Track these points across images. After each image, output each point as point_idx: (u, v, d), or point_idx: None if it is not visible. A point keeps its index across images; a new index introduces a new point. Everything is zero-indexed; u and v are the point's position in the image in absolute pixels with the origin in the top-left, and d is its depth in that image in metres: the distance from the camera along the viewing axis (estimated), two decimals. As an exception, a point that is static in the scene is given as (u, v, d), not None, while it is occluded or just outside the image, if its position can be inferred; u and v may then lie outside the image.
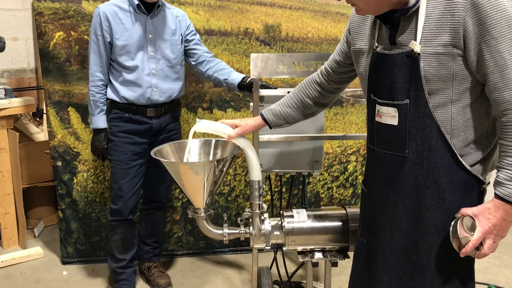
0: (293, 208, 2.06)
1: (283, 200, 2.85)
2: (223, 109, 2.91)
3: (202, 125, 1.85)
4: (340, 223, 1.98)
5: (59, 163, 2.86)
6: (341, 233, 1.97)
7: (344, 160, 3.05)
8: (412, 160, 1.42)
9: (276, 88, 2.32)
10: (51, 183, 3.24)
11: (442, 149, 1.38)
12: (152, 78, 2.40)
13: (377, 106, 1.48)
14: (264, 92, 2.20)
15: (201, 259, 3.09)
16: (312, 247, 1.99)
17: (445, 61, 1.33)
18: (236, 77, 2.44)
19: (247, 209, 1.97)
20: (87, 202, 2.93)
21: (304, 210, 2.03)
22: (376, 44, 1.47)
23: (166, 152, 1.94)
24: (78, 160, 2.86)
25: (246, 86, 2.40)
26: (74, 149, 2.85)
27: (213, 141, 1.97)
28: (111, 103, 2.45)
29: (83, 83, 2.75)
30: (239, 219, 2.02)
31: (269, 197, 2.65)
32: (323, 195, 3.09)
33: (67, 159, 2.85)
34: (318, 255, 2.00)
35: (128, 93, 2.40)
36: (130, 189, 2.50)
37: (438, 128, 1.37)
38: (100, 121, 2.44)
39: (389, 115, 1.46)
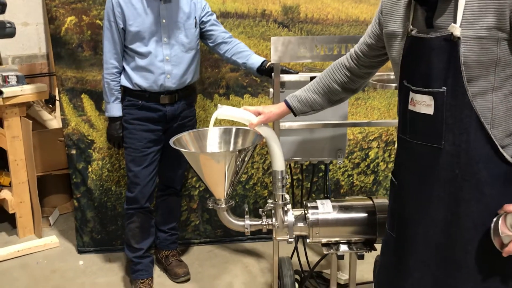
0: (316, 199, 1.98)
1: (303, 189, 2.76)
2: (240, 95, 2.82)
3: (224, 111, 1.77)
4: (367, 215, 1.90)
5: (74, 151, 2.80)
6: (368, 224, 1.89)
7: (366, 147, 2.96)
8: (449, 152, 1.33)
9: (297, 73, 2.22)
10: (66, 171, 3.19)
11: (482, 140, 1.29)
12: (165, 65, 2.32)
13: (411, 94, 1.38)
14: (285, 77, 2.10)
15: (218, 247, 3.03)
16: (337, 239, 1.92)
17: (488, 45, 1.23)
18: (255, 61, 2.34)
19: (269, 201, 1.90)
20: (102, 191, 2.87)
21: (328, 200, 1.95)
22: (411, 27, 1.37)
23: (185, 141, 1.87)
24: (92, 148, 2.80)
25: (265, 71, 2.30)
26: (89, 137, 2.79)
27: (234, 130, 1.89)
28: (124, 90, 2.39)
29: (96, 69, 2.67)
30: (260, 210, 1.95)
31: (289, 186, 2.57)
32: (343, 183, 3.00)
33: (81, 147, 2.79)
34: (344, 248, 1.92)
35: (141, 80, 2.32)
36: (146, 176, 2.44)
37: (478, 118, 1.27)
38: (115, 109, 2.37)
39: (424, 104, 1.36)
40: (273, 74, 2.14)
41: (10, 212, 3.12)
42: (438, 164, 1.36)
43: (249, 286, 2.63)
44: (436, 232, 1.41)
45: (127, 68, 2.34)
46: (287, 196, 1.87)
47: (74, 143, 2.78)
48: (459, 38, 1.23)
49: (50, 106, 3.61)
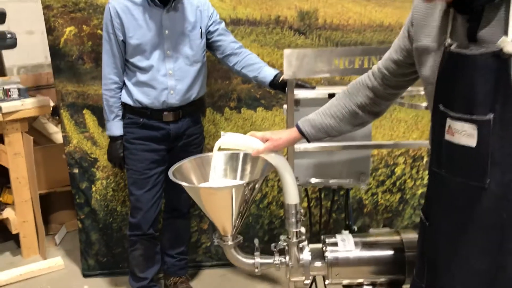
0: (337, 225, 1.75)
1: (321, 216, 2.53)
2: (252, 108, 2.60)
3: (228, 139, 1.56)
4: (394, 252, 1.67)
5: (76, 170, 2.62)
6: (395, 263, 1.66)
7: (391, 163, 2.71)
8: (494, 193, 1.09)
9: (313, 87, 1.99)
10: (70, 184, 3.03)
11: None
12: (168, 79, 2.12)
13: (448, 121, 1.14)
14: (300, 94, 1.87)
15: (231, 271, 2.82)
16: (360, 280, 1.69)
17: None
18: (267, 74, 2.12)
19: (282, 237, 1.68)
20: (107, 212, 2.69)
21: (350, 235, 1.72)
22: (449, 40, 1.13)
23: (186, 170, 1.66)
24: (96, 166, 2.62)
25: (279, 85, 2.08)
26: (92, 155, 2.61)
27: (241, 155, 1.68)
28: (125, 107, 2.19)
29: (98, 83, 2.48)
30: (272, 245, 1.73)
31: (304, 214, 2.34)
32: (366, 202, 2.76)
33: (84, 166, 2.61)
34: (368, 290, 1.69)
35: (142, 96, 2.13)
36: (149, 200, 2.25)
37: None
38: (115, 127, 2.19)
39: (464, 133, 1.12)
40: (286, 89, 1.92)
41: (14, 233, 2.98)
42: (481, 207, 1.12)
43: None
44: (475, 286, 1.17)
45: (128, 83, 2.15)
46: (303, 229, 1.65)
47: (76, 162, 2.61)
48: (511, 55, 0.99)
49: (57, 118, 3.44)
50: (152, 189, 2.24)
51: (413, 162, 2.73)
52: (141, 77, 2.10)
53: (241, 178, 1.68)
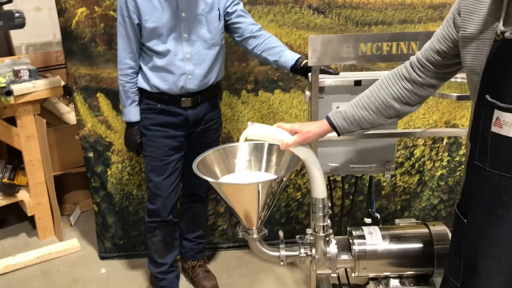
0: (363, 226, 1.72)
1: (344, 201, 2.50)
2: (269, 90, 2.54)
3: (255, 130, 1.51)
4: (423, 245, 1.64)
5: (91, 154, 2.59)
6: (424, 256, 1.63)
7: (410, 144, 2.66)
8: None
9: (337, 73, 1.92)
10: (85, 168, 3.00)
11: None
12: (186, 64, 2.04)
13: (496, 112, 1.09)
14: (325, 81, 1.81)
15: (248, 253, 2.81)
16: (387, 273, 1.67)
17: None
18: (288, 59, 2.04)
19: (308, 230, 1.65)
20: (123, 195, 2.67)
21: (377, 228, 1.69)
22: (502, 27, 1.06)
23: (209, 162, 1.62)
24: (111, 150, 2.58)
25: (300, 70, 2.01)
26: (106, 139, 2.56)
27: (266, 146, 1.63)
28: (142, 93, 2.13)
29: (112, 66, 2.42)
30: (297, 236, 1.71)
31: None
32: (384, 184, 2.73)
33: (99, 150, 2.58)
34: (395, 283, 1.67)
35: (159, 82, 2.06)
36: (168, 187, 2.22)
37: None
38: (132, 113, 2.13)
39: (514, 125, 1.08)
40: (309, 75, 1.85)
41: (29, 215, 2.96)
42: None
43: (282, 301, 2.41)
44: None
45: (144, 68, 2.08)
46: (330, 223, 1.62)
47: (91, 146, 2.57)
48: None
49: (68, 97, 3.38)
50: (171, 175, 2.20)
51: (432, 144, 2.67)
52: (158, 61, 2.03)
53: (266, 169, 1.64)
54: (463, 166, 2.75)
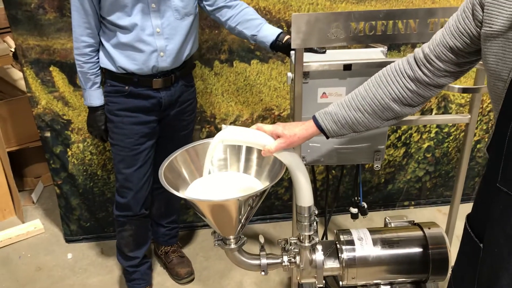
0: (352, 229, 1.56)
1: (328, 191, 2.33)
2: (246, 60, 2.29)
3: (230, 133, 1.29)
4: (417, 249, 1.49)
5: (48, 134, 2.33)
6: (418, 262, 1.49)
7: (397, 117, 2.47)
8: None
9: (324, 51, 1.68)
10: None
11: None
12: (157, 39, 1.77)
13: None
14: (311, 65, 1.57)
15: (225, 231, 2.66)
16: (378, 281, 1.53)
17: None
18: (268, 33, 1.79)
19: (292, 239, 1.47)
20: (87, 176, 2.45)
21: (367, 232, 1.52)
22: None
23: (177, 165, 1.41)
24: (70, 129, 2.33)
25: (282, 47, 1.76)
26: (64, 117, 2.30)
27: (244, 143, 1.42)
28: (105, 73, 1.86)
29: (65, 36, 2.12)
30: (278, 240, 1.54)
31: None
32: (369, 158, 2.56)
33: (56, 129, 2.32)
34: (386, 290, 1.54)
35: (126, 62, 1.78)
36: (140, 179, 2.00)
37: None
38: (94, 97, 1.86)
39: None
40: (292, 53, 1.62)
41: (-15, 195, 2.73)
42: None
43: (261, 286, 2.29)
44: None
45: (107, 45, 1.79)
46: (317, 231, 1.45)
47: (47, 125, 2.30)
48: None
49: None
50: (143, 166, 1.97)
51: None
52: (122, 38, 1.74)
53: (245, 170, 1.44)
54: (451, 138, 2.61)
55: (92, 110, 1.90)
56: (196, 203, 1.27)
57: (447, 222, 1.92)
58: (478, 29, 1.01)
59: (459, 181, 1.80)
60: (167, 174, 1.34)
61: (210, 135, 2.43)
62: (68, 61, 2.17)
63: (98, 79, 1.85)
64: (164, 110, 1.94)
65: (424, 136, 2.58)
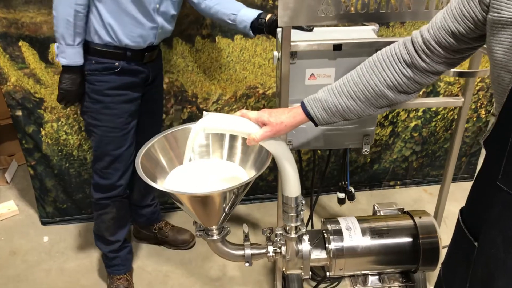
0: (339, 217, 1.49)
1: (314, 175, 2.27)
2: (228, 36, 2.17)
3: (212, 121, 1.20)
4: (408, 239, 1.45)
5: (19, 113, 2.20)
6: (408, 252, 1.44)
7: (385, 96, 2.40)
8: None
9: (311, 29, 1.59)
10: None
11: None
12: (156, 15, 1.70)
13: None
14: (299, 44, 1.47)
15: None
16: (366, 272, 1.48)
17: None
18: (248, 13, 1.69)
19: (278, 230, 1.41)
20: (62, 157, 2.33)
21: (355, 221, 1.47)
22: None
23: (155, 153, 1.32)
24: (43, 107, 2.20)
25: (265, 25, 1.66)
26: (36, 95, 2.17)
27: (228, 128, 1.33)
28: (90, 48, 1.69)
29: (34, 8, 1.97)
30: (263, 229, 1.47)
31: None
32: (355, 138, 2.50)
33: (28, 108, 2.19)
34: (374, 279, 1.49)
35: (125, 33, 1.67)
36: (129, 158, 1.91)
37: None
38: (79, 54, 1.68)
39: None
40: (278, 31, 1.52)
41: (-46, 176, 2.60)
42: None
43: (246, 273, 2.23)
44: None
45: (103, 12, 1.63)
46: (304, 221, 1.38)
47: (18, 103, 2.17)
48: None
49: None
50: (131, 145, 1.89)
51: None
52: (129, 6, 1.62)
53: (229, 158, 1.36)
54: (439, 117, 2.55)
55: (72, 70, 1.70)
56: (177, 195, 1.18)
57: (435, 206, 1.87)
58: (484, 14, 0.92)
59: (450, 166, 1.75)
60: (144, 162, 1.25)
61: (192, 116, 2.33)
62: (38, 36, 2.02)
63: (84, 36, 1.68)
64: (148, 85, 1.87)
65: (411, 115, 2.51)
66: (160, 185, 1.26)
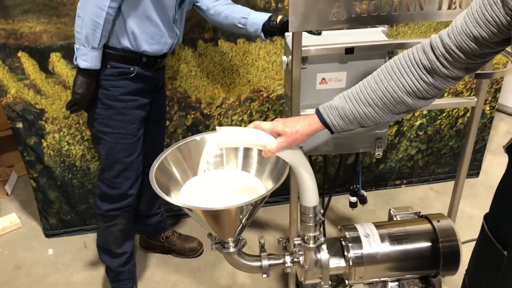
0: (357, 224, 1.46)
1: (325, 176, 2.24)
2: (231, 39, 2.13)
3: (225, 136, 1.16)
4: (427, 244, 1.41)
5: (20, 125, 2.15)
6: (428, 257, 1.41)
7: (390, 96, 2.37)
8: None
9: (320, 33, 1.56)
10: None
11: None
12: (174, 25, 1.72)
13: None
14: (310, 49, 1.44)
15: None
16: (386, 278, 1.45)
17: None
18: (259, 16, 1.67)
19: (296, 240, 1.38)
20: (64, 168, 2.29)
21: (373, 228, 1.44)
22: None
23: (169, 166, 1.28)
24: (44, 118, 2.15)
25: (277, 27, 1.63)
26: (37, 106, 2.12)
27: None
28: (105, 51, 1.64)
29: (33, 18, 1.92)
30: (279, 239, 1.44)
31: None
32: (361, 138, 2.47)
33: (29, 119, 2.14)
34: (393, 287, 1.46)
35: (147, 40, 1.66)
36: (139, 165, 1.88)
37: None
38: (99, 58, 1.62)
39: None
40: (286, 34, 1.50)
41: (-46, 190, 2.55)
42: None
43: (256, 281, 2.20)
44: None
45: (127, 17, 1.60)
46: (321, 231, 1.36)
47: (18, 115, 2.13)
48: None
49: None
50: (141, 153, 1.86)
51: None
52: (152, 14, 1.61)
53: (244, 168, 1.33)
54: (444, 114, 2.53)
55: (91, 74, 1.63)
56: (194, 210, 1.15)
57: (448, 208, 1.85)
58: (509, 18, 0.89)
59: (463, 168, 1.73)
60: (157, 176, 1.21)
61: (196, 121, 2.29)
62: (38, 46, 1.98)
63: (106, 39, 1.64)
64: (156, 91, 1.86)
65: (416, 114, 2.49)
66: (175, 198, 1.23)
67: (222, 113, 2.30)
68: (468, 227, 2.34)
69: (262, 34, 1.66)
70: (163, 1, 1.62)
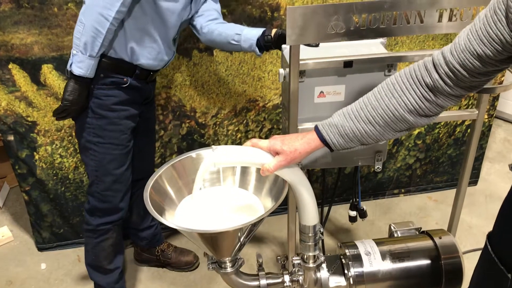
0: (357, 240, 1.43)
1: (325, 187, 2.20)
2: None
3: (221, 155, 1.13)
4: (429, 261, 1.39)
5: (11, 138, 2.11)
6: (430, 274, 1.38)
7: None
8: None
9: (317, 45, 1.52)
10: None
11: None
12: (173, 44, 1.76)
13: None
14: (308, 63, 1.41)
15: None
16: (387, 297, 1.42)
17: None
18: (253, 31, 1.64)
19: (295, 259, 1.34)
20: (57, 181, 2.24)
21: (374, 245, 1.40)
22: None
23: (163, 184, 1.24)
24: (36, 131, 2.11)
25: (272, 41, 1.59)
26: (28, 118, 2.08)
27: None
28: (103, 64, 1.62)
29: (24, 29, 1.88)
30: (279, 258, 1.40)
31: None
32: (359, 148, 2.44)
33: (20, 132, 2.10)
34: (395, 304, 1.43)
35: (145, 54, 1.66)
36: (129, 178, 1.85)
37: None
38: (94, 67, 1.59)
39: None
40: (283, 47, 1.46)
41: None
42: None
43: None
44: None
45: (128, 29, 1.60)
46: (321, 250, 1.32)
47: (10, 128, 2.08)
48: None
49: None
50: (130, 165, 1.83)
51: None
52: (150, 28, 1.62)
53: (241, 184, 1.29)
54: (442, 124, 2.51)
55: (83, 81, 1.60)
56: (192, 233, 1.11)
57: (449, 219, 1.82)
58: None
59: (464, 180, 1.70)
60: (152, 195, 1.18)
61: (191, 130, 2.26)
62: (29, 58, 1.94)
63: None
64: (146, 103, 1.84)
65: (415, 123, 2.46)
66: (171, 218, 1.19)
67: (218, 123, 2.27)
68: (468, 236, 2.31)
69: (257, 49, 1.62)
70: (168, 22, 1.62)
